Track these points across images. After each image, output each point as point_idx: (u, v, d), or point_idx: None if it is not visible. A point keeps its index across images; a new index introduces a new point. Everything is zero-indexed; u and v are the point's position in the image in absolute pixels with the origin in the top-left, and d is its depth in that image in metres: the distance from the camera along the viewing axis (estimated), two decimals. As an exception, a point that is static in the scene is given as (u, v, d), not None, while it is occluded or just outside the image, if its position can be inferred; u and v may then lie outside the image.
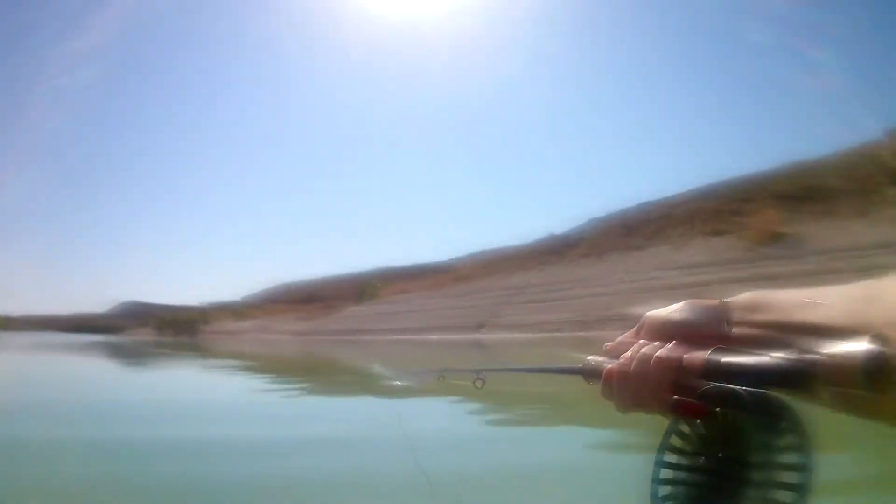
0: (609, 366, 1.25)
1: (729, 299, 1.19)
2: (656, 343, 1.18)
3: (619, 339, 1.30)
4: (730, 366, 1.06)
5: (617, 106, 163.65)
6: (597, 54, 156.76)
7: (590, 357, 1.33)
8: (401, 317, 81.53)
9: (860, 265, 39.41)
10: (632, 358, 1.19)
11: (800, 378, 0.98)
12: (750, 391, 1.02)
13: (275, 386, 24.82)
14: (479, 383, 1.78)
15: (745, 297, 1.17)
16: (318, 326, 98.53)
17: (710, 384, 1.07)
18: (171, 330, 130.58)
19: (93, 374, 33.48)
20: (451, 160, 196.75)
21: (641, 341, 1.22)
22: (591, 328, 50.97)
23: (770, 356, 1.02)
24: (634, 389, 1.19)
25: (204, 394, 21.14)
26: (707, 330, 1.16)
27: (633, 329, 1.28)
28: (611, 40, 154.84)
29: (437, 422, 12.49)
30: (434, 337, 64.68)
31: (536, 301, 64.74)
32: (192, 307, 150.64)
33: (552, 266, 72.35)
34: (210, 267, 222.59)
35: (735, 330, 1.13)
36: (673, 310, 1.22)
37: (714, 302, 1.20)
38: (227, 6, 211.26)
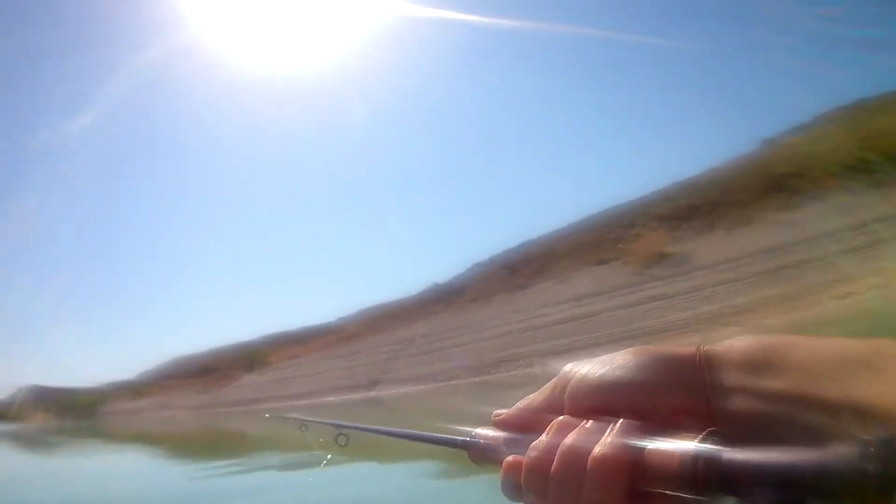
0: (509, 457, 0.83)
1: (718, 346, 0.76)
2: (588, 425, 0.77)
3: (521, 404, 0.89)
4: (737, 468, 0.61)
5: (488, 145, 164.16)
6: (459, 96, 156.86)
7: (478, 430, 0.95)
8: (294, 382, 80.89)
9: (748, 272, 39.99)
10: (548, 448, 0.78)
11: (846, 488, 0.53)
12: None
13: (177, 466, 24.71)
14: (341, 440, 1.75)
15: (742, 345, 0.74)
16: (215, 399, 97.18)
17: (703, 498, 0.65)
18: (71, 413, 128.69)
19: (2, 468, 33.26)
20: (326, 218, 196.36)
21: (562, 419, 0.80)
22: (486, 372, 50.82)
23: (816, 453, 0.56)
24: (560, 501, 0.75)
25: (110, 481, 20.89)
26: (674, 400, 0.75)
27: (546, 389, 0.88)
28: (476, 78, 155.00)
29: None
30: (330, 399, 64.55)
31: (427, 352, 64.35)
32: (91, 388, 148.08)
33: (439, 315, 72.19)
34: (105, 345, 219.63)
35: (730, 402, 0.71)
36: (613, 365, 0.80)
37: (685, 351, 0.78)
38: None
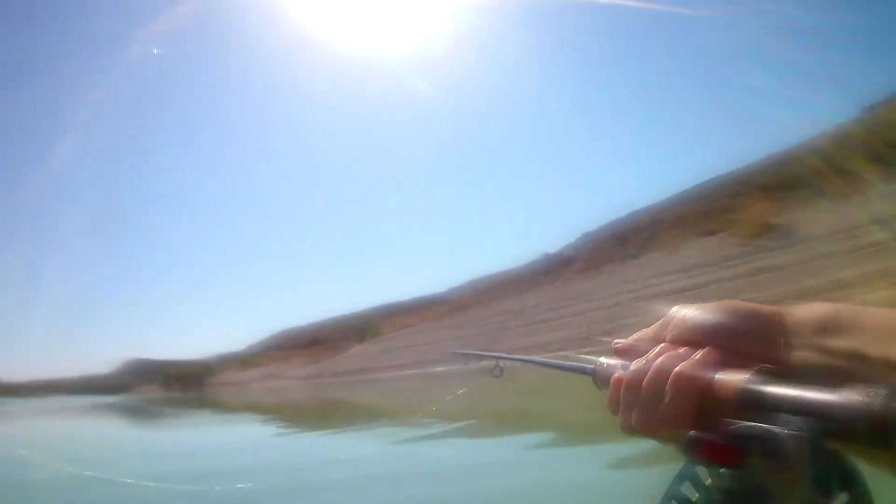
0: (617, 373, 1.01)
1: (794, 310, 0.91)
2: (681, 351, 0.95)
3: (635, 336, 1.06)
4: (777, 398, 0.78)
5: (595, 117, 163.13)
6: (568, 71, 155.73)
7: (602, 358, 1.10)
8: (404, 352, 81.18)
9: (855, 245, 39.41)
10: (646, 367, 0.95)
11: (881, 431, 0.67)
12: (801, 437, 0.72)
13: (290, 433, 24.79)
14: (496, 371, 1.97)
15: (818, 309, 0.88)
16: (324, 369, 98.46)
17: (744, 421, 0.79)
18: (178, 385, 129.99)
19: (106, 435, 33.39)
20: (437, 190, 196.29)
21: (662, 346, 0.99)
22: (595, 343, 50.64)
23: (839, 393, 0.72)
24: (645, 409, 0.93)
25: (223, 448, 21.08)
26: (752, 345, 0.90)
27: (655, 326, 1.05)
28: (580, 56, 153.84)
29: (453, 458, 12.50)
30: (440, 369, 64.51)
31: (536, 322, 64.37)
32: (197, 361, 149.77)
33: (549, 285, 72.03)
34: (212, 319, 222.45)
35: (797, 353, 0.87)
36: (709, 310, 0.97)
37: (769, 310, 0.94)
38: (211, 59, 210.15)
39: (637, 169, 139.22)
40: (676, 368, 0.90)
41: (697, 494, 0.84)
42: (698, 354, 0.91)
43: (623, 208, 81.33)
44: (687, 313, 0.99)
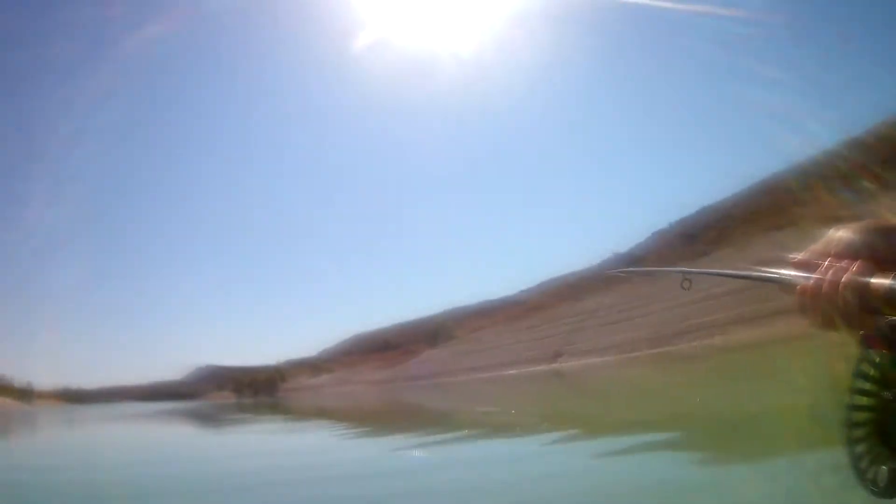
0: (802, 283, 1.32)
1: None
2: (843, 263, 1.26)
3: (808, 251, 1.37)
4: None
5: (659, 116, 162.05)
6: (631, 68, 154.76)
7: (784, 271, 1.39)
8: (477, 355, 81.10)
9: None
10: (823, 278, 1.27)
11: None
12: None
13: (363, 439, 24.84)
14: (686, 284, 2.04)
15: None
16: (397, 373, 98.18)
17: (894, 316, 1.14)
18: (250, 391, 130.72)
19: (180, 441, 33.64)
20: (509, 192, 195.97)
21: (829, 260, 1.30)
22: (667, 343, 50.71)
23: None
24: (825, 311, 1.26)
25: (293, 454, 21.31)
26: (893, 254, 1.25)
27: (821, 243, 1.36)
28: (638, 53, 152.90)
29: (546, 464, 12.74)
30: (513, 371, 64.36)
31: (609, 323, 64.18)
32: (269, 366, 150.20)
33: (620, 286, 71.88)
34: (283, 325, 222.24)
35: None
36: (860, 230, 1.31)
37: None
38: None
39: (706, 164, 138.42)
40: (843, 278, 1.20)
41: (872, 370, 1.20)
42: (855, 266, 1.21)
43: (692, 205, 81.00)
44: (843, 234, 1.30)
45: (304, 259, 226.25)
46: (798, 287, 1.31)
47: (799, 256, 1.35)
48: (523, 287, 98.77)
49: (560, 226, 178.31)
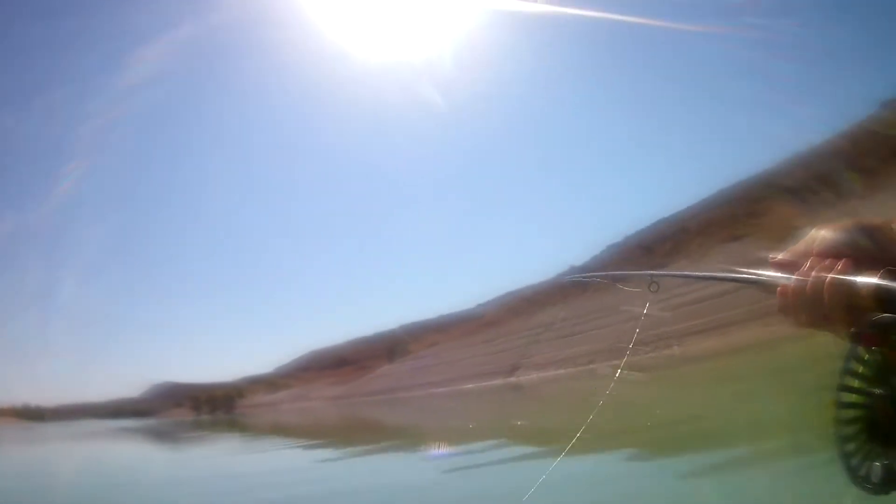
0: (783, 283, 1.29)
1: None
2: (827, 262, 1.23)
3: (788, 251, 1.34)
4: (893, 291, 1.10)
5: (615, 128, 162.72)
6: (588, 81, 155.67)
7: (762, 271, 1.36)
8: (434, 370, 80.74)
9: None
10: (806, 278, 1.24)
11: None
12: None
13: (318, 455, 24.70)
14: (653, 287, 1.99)
15: None
16: (353, 389, 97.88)
17: (882, 313, 1.12)
18: (208, 408, 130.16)
19: (137, 459, 33.49)
20: (460, 206, 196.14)
21: (812, 259, 1.27)
22: (623, 355, 50.67)
23: None
24: (810, 311, 1.23)
25: (251, 472, 21.07)
26: (876, 252, 1.22)
27: (802, 243, 1.33)
28: (596, 68, 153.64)
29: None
30: (470, 385, 64.51)
31: (565, 336, 64.21)
32: (226, 383, 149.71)
33: (577, 298, 71.99)
34: (240, 341, 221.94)
35: None
36: (842, 229, 1.28)
37: (883, 224, 1.28)
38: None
39: (660, 177, 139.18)
40: (828, 277, 1.19)
41: (861, 367, 1.24)
42: (840, 264, 1.19)
43: (647, 218, 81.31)
44: (825, 233, 1.28)
45: (259, 276, 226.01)
46: (779, 287, 1.31)
47: (779, 256, 1.36)
48: (480, 301, 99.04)
49: (516, 240, 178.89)
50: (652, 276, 2.01)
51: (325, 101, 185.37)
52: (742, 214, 62.49)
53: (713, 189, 72.73)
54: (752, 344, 35.77)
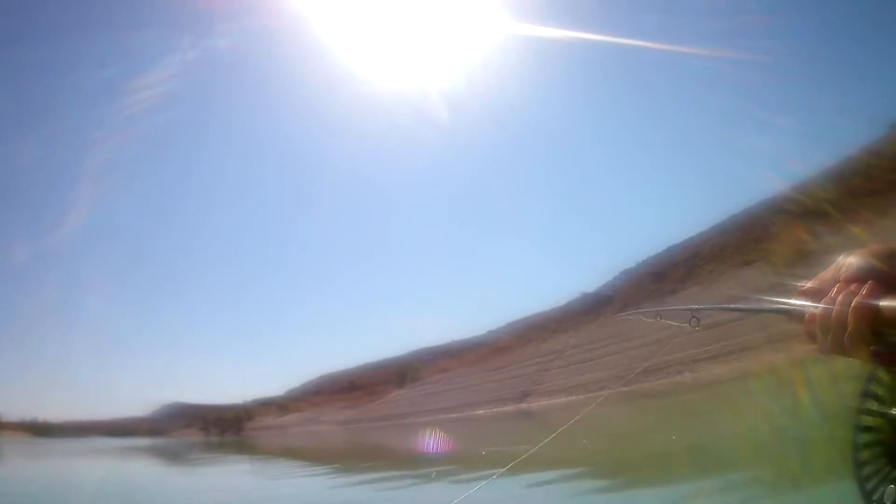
0: (810, 310, 1.35)
1: None
2: (853, 287, 1.27)
3: (817, 279, 1.40)
4: None
5: (626, 156, 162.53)
6: (600, 108, 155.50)
7: (793, 300, 1.42)
8: (444, 396, 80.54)
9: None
10: (832, 303, 1.28)
11: None
12: None
13: (326, 479, 24.64)
14: (693, 322, 2.16)
15: None
16: (363, 414, 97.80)
17: None
18: (217, 429, 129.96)
19: (143, 477, 33.38)
20: (475, 232, 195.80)
21: (839, 285, 1.32)
22: (635, 381, 50.59)
23: None
24: (835, 336, 1.27)
25: (258, 495, 20.99)
26: None
27: (830, 270, 1.39)
28: (603, 92, 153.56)
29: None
30: (481, 412, 64.37)
31: (577, 363, 64.08)
32: (236, 405, 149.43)
33: (588, 325, 71.90)
34: (251, 364, 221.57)
35: None
36: (868, 254, 1.32)
37: None
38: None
39: (671, 203, 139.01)
40: (853, 302, 1.23)
41: (881, 389, 1.30)
42: (865, 289, 1.23)
43: (659, 244, 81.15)
44: (852, 259, 1.33)
45: (271, 299, 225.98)
46: (807, 315, 1.37)
47: (807, 284, 1.43)
48: (491, 328, 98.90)
49: (527, 266, 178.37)
50: (692, 310, 2.15)
51: (338, 125, 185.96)
52: (754, 240, 62.30)
53: (725, 215, 72.61)
54: (763, 369, 35.67)
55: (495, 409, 64.12)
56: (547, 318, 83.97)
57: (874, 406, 1.30)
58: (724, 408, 29.80)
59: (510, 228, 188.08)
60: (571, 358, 66.07)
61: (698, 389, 40.44)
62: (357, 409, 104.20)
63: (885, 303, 1.16)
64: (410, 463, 26.73)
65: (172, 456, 55.27)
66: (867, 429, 1.30)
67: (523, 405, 62.48)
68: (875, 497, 1.27)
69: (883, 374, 1.29)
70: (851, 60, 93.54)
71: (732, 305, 1.99)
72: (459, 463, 22.07)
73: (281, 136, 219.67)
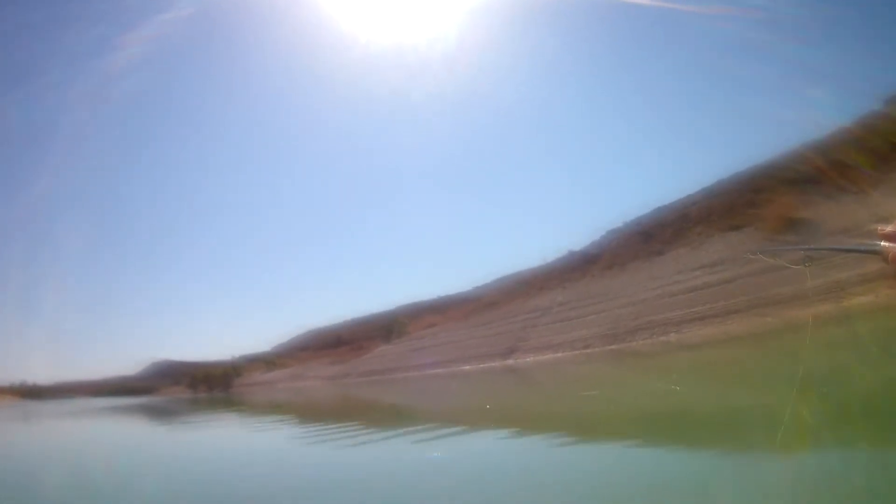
0: (894, 251, 1.49)
1: None
2: None
3: (895, 224, 1.52)
4: None
5: (617, 114, 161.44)
6: (590, 64, 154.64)
7: (882, 242, 1.56)
8: (431, 351, 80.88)
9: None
10: None
11: None
12: None
13: (314, 433, 24.80)
14: (807, 261, 2.40)
15: None
16: (351, 368, 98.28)
17: None
18: (205, 386, 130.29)
19: (136, 436, 33.60)
20: (460, 188, 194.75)
21: None
22: (621, 340, 50.85)
23: None
24: None
25: (253, 446, 21.19)
26: None
27: None
28: (596, 51, 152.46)
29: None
30: (467, 367, 64.62)
31: (563, 320, 64.33)
32: (224, 362, 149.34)
33: (575, 283, 71.95)
34: (237, 320, 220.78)
35: None
36: None
37: None
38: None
39: (662, 164, 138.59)
40: None
41: None
42: None
43: (648, 204, 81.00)
44: None
45: (257, 255, 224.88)
46: (891, 254, 1.51)
47: (888, 228, 1.53)
48: (478, 284, 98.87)
49: (515, 223, 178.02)
50: (805, 250, 2.43)
51: (324, 86, 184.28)
52: (742, 204, 62.20)
53: (715, 177, 72.42)
54: (748, 333, 35.84)
55: (481, 365, 64.31)
56: (534, 274, 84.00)
57: None
58: (708, 370, 29.97)
59: (498, 185, 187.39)
60: (557, 315, 66.19)
61: (683, 349, 40.57)
62: (344, 364, 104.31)
63: None
64: (397, 417, 26.93)
65: (161, 413, 55.66)
66: None
67: (509, 361, 62.69)
68: None
69: None
70: (857, 24, 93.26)
71: (830, 246, 2.24)
72: (443, 418, 22.28)
73: (268, 90, 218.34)
